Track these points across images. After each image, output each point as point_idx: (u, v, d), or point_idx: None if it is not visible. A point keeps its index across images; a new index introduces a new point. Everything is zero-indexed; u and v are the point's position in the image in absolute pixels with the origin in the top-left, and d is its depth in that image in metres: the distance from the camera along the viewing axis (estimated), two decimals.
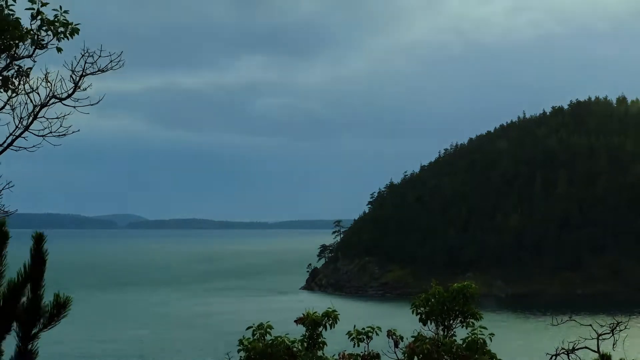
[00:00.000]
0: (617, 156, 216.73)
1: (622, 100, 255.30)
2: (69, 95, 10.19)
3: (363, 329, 16.79)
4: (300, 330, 16.99)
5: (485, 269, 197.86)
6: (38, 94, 10.04)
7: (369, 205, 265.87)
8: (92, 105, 10.33)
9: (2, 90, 9.94)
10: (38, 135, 10.11)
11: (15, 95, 9.96)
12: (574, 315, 20.88)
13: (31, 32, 9.85)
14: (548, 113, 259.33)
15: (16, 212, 10.22)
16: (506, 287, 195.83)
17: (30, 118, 10.06)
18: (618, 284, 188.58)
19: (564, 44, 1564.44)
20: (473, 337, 16.47)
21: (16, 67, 9.97)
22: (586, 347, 16.95)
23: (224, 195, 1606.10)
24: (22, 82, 9.96)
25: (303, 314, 17.12)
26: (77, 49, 10.13)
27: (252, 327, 16.87)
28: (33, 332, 7.98)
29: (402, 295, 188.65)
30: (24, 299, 7.98)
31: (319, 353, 16.64)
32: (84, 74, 10.16)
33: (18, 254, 8.54)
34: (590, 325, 17.63)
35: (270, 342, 16.38)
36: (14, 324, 7.93)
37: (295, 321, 17.12)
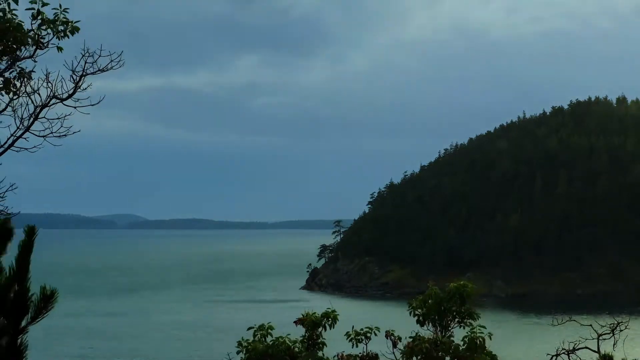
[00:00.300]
0: (617, 156, 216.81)
1: (622, 100, 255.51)
2: (70, 96, 10.19)
3: (362, 329, 16.80)
4: (301, 330, 16.99)
5: (485, 269, 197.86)
6: (39, 94, 10.06)
7: (369, 205, 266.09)
8: (92, 105, 10.34)
9: (3, 92, 9.95)
10: (39, 136, 10.12)
11: (17, 97, 9.97)
12: (574, 315, 20.89)
13: (31, 32, 9.85)
14: (548, 113, 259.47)
15: (19, 214, 10.23)
16: (506, 287, 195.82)
17: (31, 119, 10.06)
18: (618, 284, 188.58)
19: (568, 41, 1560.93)
20: (472, 336, 16.50)
21: (18, 70, 9.98)
22: (587, 347, 16.97)
23: (223, 195, 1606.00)
24: (23, 84, 9.96)
25: (302, 315, 17.14)
26: (77, 49, 10.14)
27: (253, 327, 16.87)
28: (22, 325, 7.98)
29: (402, 295, 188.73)
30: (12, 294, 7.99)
31: (319, 354, 16.65)
32: (84, 74, 10.16)
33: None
34: (591, 325, 17.65)
35: (271, 342, 16.38)
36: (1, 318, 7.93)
37: (294, 322, 17.13)
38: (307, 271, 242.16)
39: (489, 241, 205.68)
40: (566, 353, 16.92)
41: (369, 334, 16.69)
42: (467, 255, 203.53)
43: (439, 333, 17.07)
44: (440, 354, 16.21)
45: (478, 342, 16.33)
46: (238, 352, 16.38)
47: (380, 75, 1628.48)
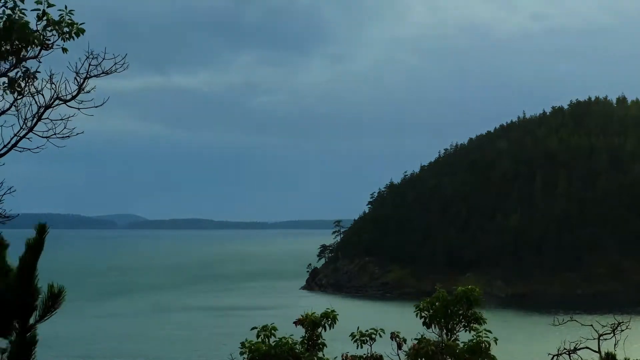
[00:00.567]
0: (617, 156, 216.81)
1: (622, 100, 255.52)
2: (73, 97, 10.21)
3: (366, 330, 16.80)
4: (302, 331, 17.00)
5: (485, 269, 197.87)
6: (43, 95, 10.08)
7: (369, 205, 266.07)
8: (96, 107, 10.36)
9: (8, 92, 9.97)
10: (42, 137, 10.14)
11: (21, 97, 10.00)
12: (574, 315, 20.92)
13: (37, 32, 9.88)
14: (548, 113, 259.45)
15: (18, 216, 10.25)
16: (506, 287, 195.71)
17: (35, 119, 10.09)
18: (618, 284, 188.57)
19: (571, 39, 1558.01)
20: (477, 339, 16.52)
21: (23, 70, 10.01)
22: (587, 347, 17.00)
23: (223, 195, 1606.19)
24: (28, 85, 9.99)
25: (302, 315, 17.14)
26: (80, 50, 10.17)
27: (256, 328, 16.86)
28: (30, 323, 8.03)
29: (402, 295, 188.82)
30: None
31: (320, 354, 16.66)
32: (88, 76, 10.19)
33: (18, 254, 8.56)
34: (591, 325, 17.68)
35: (274, 343, 16.38)
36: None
37: (294, 322, 17.14)
38: (307, 271, 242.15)
39: (489, 241, 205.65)
40: (567, 353, 16.96)
41: (373, 335, 16.69)
42: (467, 255, 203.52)
43: (445, 336, 17.10)
44: (445, 357, 16.23)
45: (483, 346, 16.35)
46: (241, 353, 16.37)
47: (380, 74, 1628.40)
